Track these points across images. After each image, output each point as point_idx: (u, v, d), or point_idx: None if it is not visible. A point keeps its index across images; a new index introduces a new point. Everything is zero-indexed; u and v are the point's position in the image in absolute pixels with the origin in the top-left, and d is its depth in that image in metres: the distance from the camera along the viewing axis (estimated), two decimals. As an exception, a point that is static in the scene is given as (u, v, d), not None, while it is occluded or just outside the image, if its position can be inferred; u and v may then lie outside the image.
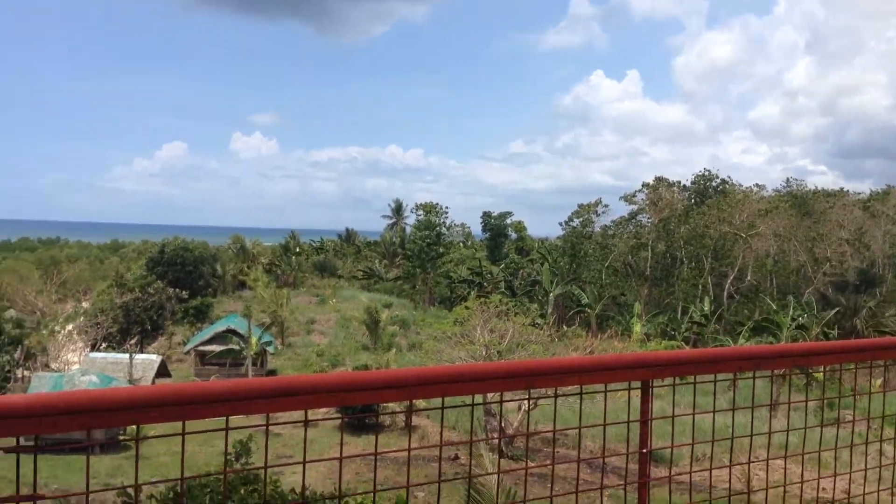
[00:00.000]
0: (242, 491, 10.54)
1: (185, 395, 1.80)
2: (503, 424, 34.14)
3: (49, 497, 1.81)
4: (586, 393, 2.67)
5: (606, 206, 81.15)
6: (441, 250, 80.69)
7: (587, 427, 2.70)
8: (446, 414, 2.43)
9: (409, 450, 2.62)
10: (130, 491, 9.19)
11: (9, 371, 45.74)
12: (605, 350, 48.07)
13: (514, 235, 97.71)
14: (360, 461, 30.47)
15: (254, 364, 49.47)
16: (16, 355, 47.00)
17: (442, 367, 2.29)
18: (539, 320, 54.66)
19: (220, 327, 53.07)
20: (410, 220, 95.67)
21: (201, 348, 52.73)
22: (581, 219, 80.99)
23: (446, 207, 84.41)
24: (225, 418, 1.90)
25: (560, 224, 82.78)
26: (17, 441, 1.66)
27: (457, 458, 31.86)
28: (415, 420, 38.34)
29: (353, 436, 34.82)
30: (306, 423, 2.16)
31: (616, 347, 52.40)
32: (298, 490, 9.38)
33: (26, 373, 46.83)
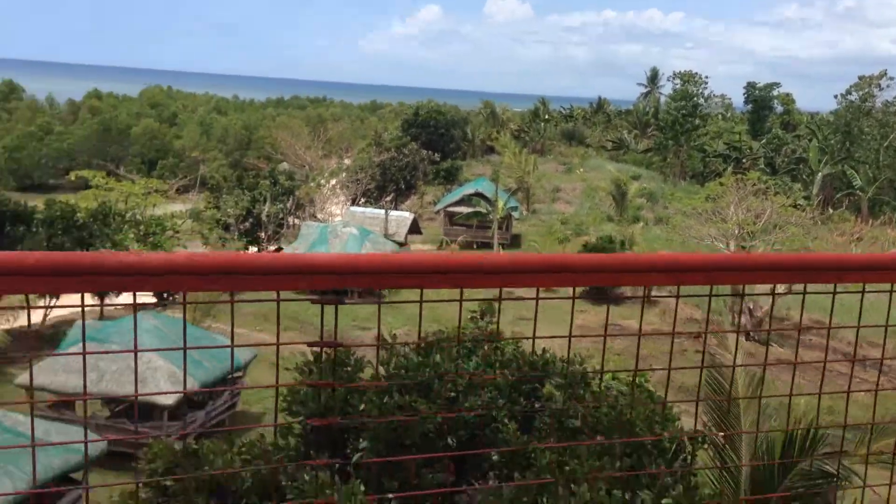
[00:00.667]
0: (486, 347, 10.96)
1: (462, 265, 1.89)
2: (751, 307, 32.79)
3: (344, 346, 1.91)
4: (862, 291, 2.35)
5: (892, 78, 72.68)
6: (697, 122, 76.71)
7: (865, 326, 2.41)
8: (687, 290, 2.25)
9: (639, 335, 2.50)
10: (386, 336, 9.85)
11: (282, 218, 50.52)
12: (876, 238, 44.03)
13: (779, 109, 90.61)
14: (598, 329, 30.77)
15: (499, 228, 50.78)
16: (288, 204, 51.65)
17: (710, 255, 2.13)
18: (801, 201, 50.93)
19: (468, 190, 54.68)
20: (665, 89, 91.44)
21: (450, 209, 54.81)
22: (861, 92, 73.15)
23: (705, 77, 79.60)
24: (459, 290, 1.96)
25: (835, 97, 75.43)
26: (320, 293, 1.83)
27: (699, 336, 31.20)
28: (655, 291, 37.79)
29: (592, 304, 35.11)
30: (537, 299, 2.16)
31: (889, 236, 47.73)
32: (538, 353, 9.58)
33: (296, 221, 51.56)
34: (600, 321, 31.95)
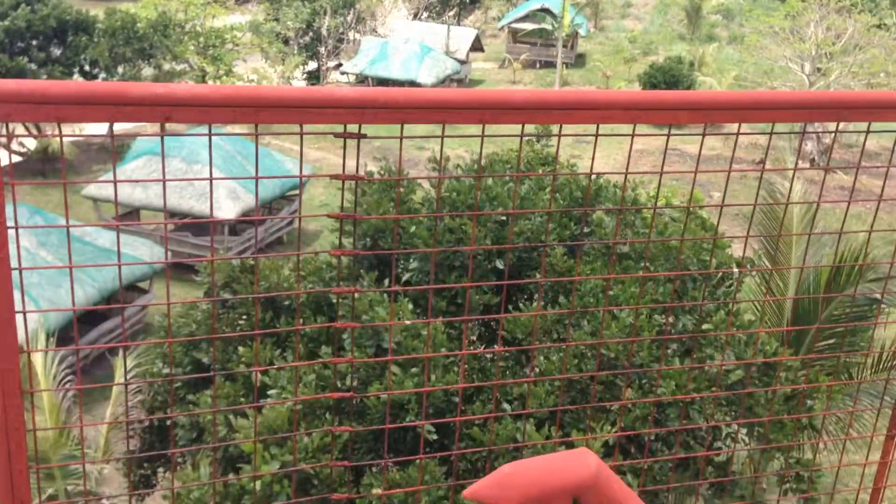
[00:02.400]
0: (540, 170, 10.92)
1: (487, 101, 1.87)
2: (819, 132, 31.67)
3: (365, 179, 1.94)
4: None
5: None
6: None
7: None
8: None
9: (695, 172, 2.49)
10: (438, 159, 9.83)
11: (342, 33, 49.53)
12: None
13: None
14: (657, 154, 30.27)
15: (564, 46, 49.06)
16: (348, 18, 50.46)
17: (740, 93, 2.06)
18: (887, 20, 47.70)
19: (533, 5, 52.43)
20: None
21: (514, 25, 52.92)
22: None
23: None
24: (521, 125, 1.97)
25: None
26: (345, 128, 1.88)
27: (762, 161, 30.49)
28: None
29: (654, 128, 34.30)
30: (597, 135, 2.18)
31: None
32: (591, 179, 9.53)
33: (357, 36, 50.53)
34: (660, 146, 31.37)
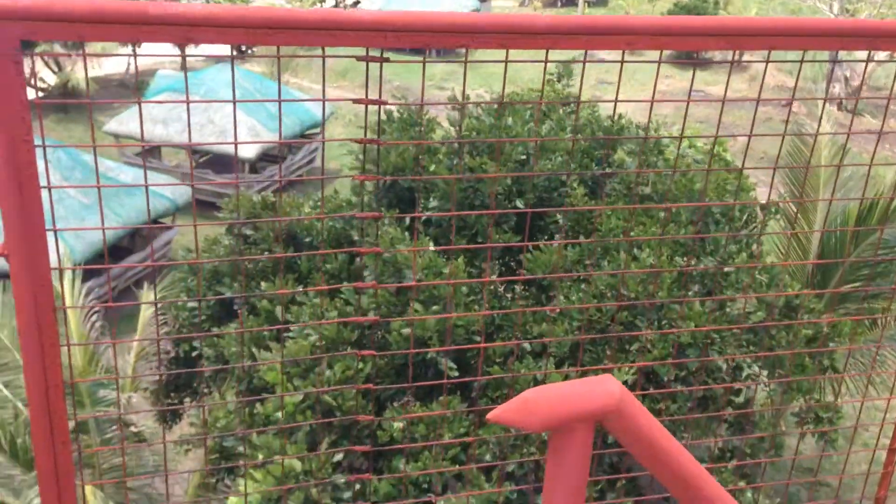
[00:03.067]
0: (561, 111, 10.79)
1: (510, 25, 1.84)
2: (847, 75, 31.02)
3: (388, 104, 1.95)
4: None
5: None
6: None
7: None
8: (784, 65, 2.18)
9: (723, 99, 2.44)
10: (458, 96, 9.70)
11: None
12: None
13: None
14: (681, 96, 29.79)
15: (587, -17, 47.99)
16: (367, -45, 49.51)
17: (771, 19, 2.00)
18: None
19: (557, -60, 51.16)
20: None
21: (537, -38, 51.73)
22: None
23: None
24: (545, 51, 1.93)
25: None
26: (367, 52, 1.88)
27: (789, 104, 29.95)
28: (746, 56, 35.95)
29: (678, 69, 33.71)
30: (622, 62, 2.12)
31: None
32: (615, 119, 9.41)
33: (376, -27, 49.62)
34: (685, 88, 30.87)
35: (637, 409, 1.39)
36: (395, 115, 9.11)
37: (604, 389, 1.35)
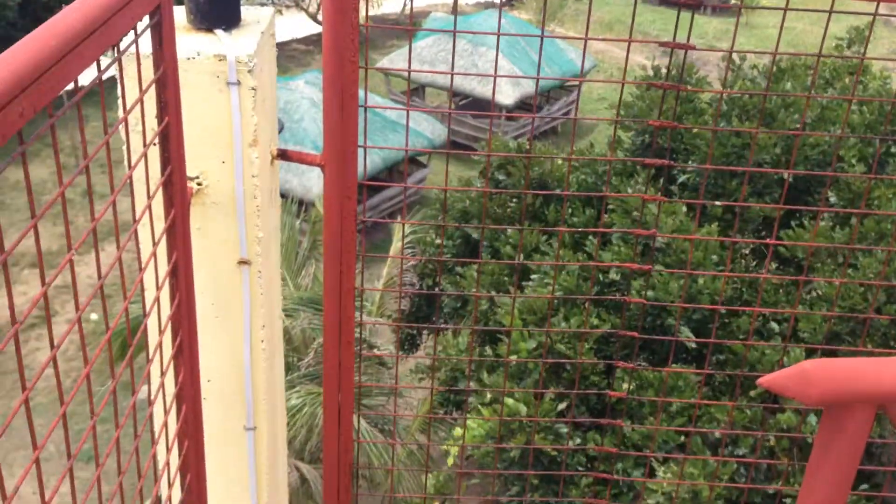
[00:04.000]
0: (847, 80, 9.93)
1: None
2: None
3: (696, 49, 1.86)
4: None
5: None
6: None
7: None
8: None
9: None
10: (734, 57, 9.20)
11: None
12: None
13: None
14: None
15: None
16: None
17: None
18: None
19: None
20: None
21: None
22: None
23: None
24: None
25: None
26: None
27: None
28: None
29: None
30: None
31: None
32: None
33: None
34: None
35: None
36: (662, 70, 8.80)
37: (895, 371, 1.24)
